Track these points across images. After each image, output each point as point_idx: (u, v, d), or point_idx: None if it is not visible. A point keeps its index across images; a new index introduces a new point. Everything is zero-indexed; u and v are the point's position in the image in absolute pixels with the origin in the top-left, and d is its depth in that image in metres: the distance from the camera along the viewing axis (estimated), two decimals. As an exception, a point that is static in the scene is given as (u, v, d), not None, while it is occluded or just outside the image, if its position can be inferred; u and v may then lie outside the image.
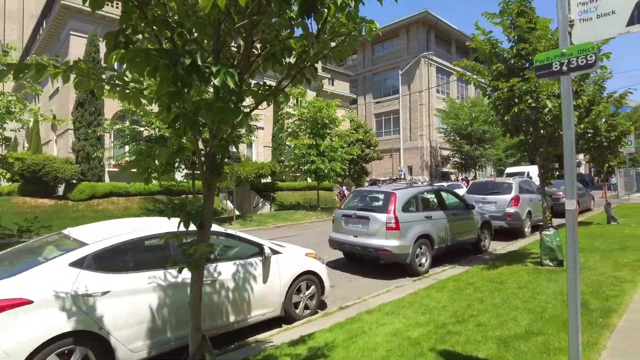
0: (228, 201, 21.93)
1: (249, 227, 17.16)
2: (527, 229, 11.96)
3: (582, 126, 8.23)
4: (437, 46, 42.15)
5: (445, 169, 41.25)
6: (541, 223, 13.84)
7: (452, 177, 38.24)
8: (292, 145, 21.93)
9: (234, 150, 22.84)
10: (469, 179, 32.36)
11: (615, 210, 15.78)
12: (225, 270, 4.90)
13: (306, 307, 5.82)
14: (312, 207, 23.14)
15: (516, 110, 7.06)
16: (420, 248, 8.08)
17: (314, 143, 20.78)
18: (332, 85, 38.80)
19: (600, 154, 12.89)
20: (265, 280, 5.27)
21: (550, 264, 7.34)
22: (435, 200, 9.06)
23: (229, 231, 5.27)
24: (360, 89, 45.68)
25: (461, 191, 16.26)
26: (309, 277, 5.83)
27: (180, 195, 21.53)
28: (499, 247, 10.35)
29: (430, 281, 7.15)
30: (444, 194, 9.34)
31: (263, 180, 26.51)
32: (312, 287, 5.88)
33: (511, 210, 11.53)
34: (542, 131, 7.48)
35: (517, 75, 7.22)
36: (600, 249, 8.72)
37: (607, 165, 14.33)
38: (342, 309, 5.88)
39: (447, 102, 36.43)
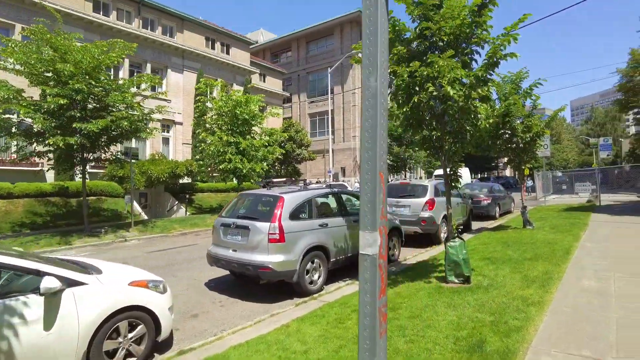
0: (135, 204, 19.52)
1: (149, 235, 15.03)
2: (443, 235, 11.15)
3: (491, 120, 7.35)
4: (371, 47, 41.80)
5: (378, 171, 40.98)
6: (461, 227, 13.41)
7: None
8: (208, 142, 19.80)
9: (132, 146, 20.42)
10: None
11: (532, 213, 15.75)
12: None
13: (130, 354, 4.24)
14: (232, 211, 21.29)
15: (416, 99, 5.96)
16: (312, 262, 6.77)
17: (232, 140, 18.86)
18: (264, 81, 37.08)
19: (517, 155, 12.52)
20: (49, 325, 3.63)
21: (456, 280, 6.33)
22: (334, 205, 7.76)
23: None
24: (295, 88, 44.31)
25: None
26: (134, 313, 4.26)
27: (78, 198, 18.85)
28: (410, 255, 9.37)
29: (315, 305, 5.84)
30: (345, 198, 8.07)
31: (181, 181, 24.19)
32: (140, 327, 4.30)
33: (425, 214, 10.64)
34: (447, 127, 6.47)
35: (420, 59, 6.14)
36: (512, 258, 7.95)
37: (526, 167, 14.12)
38: (181, 353, 4.36)
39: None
